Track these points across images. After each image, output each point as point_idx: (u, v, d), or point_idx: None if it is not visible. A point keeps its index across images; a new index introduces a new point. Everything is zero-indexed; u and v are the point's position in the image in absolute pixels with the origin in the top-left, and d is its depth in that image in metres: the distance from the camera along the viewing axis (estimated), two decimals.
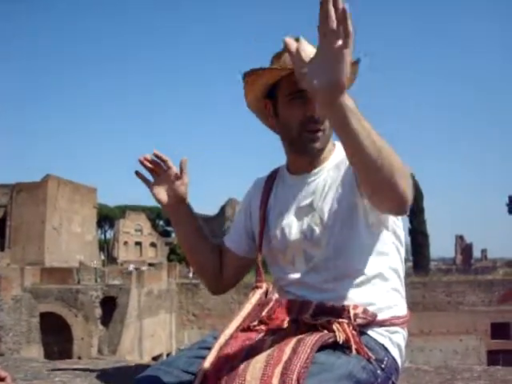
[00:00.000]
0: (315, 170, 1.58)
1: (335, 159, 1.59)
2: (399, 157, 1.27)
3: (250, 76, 1.56)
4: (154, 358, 24.81)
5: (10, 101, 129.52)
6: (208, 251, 1.74)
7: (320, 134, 1.52)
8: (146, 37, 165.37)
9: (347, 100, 1.17)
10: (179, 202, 1.69)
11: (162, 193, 1.68)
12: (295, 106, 1.52)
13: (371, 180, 1.28)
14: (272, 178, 1.72)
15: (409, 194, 1.29)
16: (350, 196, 1.48)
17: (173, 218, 1.74)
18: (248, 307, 1.50)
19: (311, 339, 1.27)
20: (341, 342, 1.30)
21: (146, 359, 23.11)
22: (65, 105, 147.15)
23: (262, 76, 1.55)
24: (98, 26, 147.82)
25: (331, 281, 1.49)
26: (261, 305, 1.50)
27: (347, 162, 1.50)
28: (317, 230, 1.52)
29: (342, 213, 1.49)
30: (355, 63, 1.50)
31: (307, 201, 1.56)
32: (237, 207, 57.71)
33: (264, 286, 1.58)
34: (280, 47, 1.59)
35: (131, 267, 32.84)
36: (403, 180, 1.26)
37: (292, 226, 1.57)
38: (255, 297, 1.54)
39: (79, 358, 21.69)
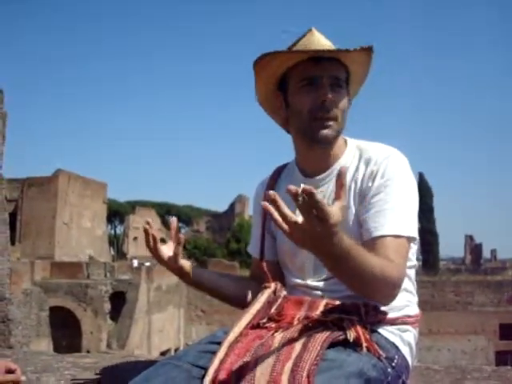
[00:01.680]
0: (324, 174, 1.57)
1: (346, 159, 1.57)
2: (386, 267, 1.33)
3: (260, 62, 1.54)
4: (163, 353, 24.88)
5: (21, 95, 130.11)
6: (233, 285, 1.74)
7: (331, 122, 1.51)
8: (159, 36, 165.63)
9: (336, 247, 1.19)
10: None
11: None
12: (305, 92, 1.51)
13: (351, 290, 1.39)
14: (275, 176, 1.72)
15: (390, 298, 1.39)
16: (359, 208, 1.49)
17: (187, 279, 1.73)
18: (257, 305, 1.49)
19: (322, 336, 1.26)
20: (351, 340, 1.30)
21: (155, 354, 23.17)
22: (76, 100, 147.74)
23: (273, 61, 1.53)
24: (110, 19, 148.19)
25: (340, 284, 1.48)
26: (270, 302, 1.50)
27: (362, 172, 1.51)
28: None
29: (352, 221, 1.49)
30: (368, 51, 1.50)
31: None
32: (246, 203, 57.79)
33: (272, 285, 1.57)
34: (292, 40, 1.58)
35: (135, 263, 32.84)
36: (389, 288, 1.36)
37: None
38: (264, 295, 1.53)
39: (88, 352, 21.78)
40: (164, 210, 68.05)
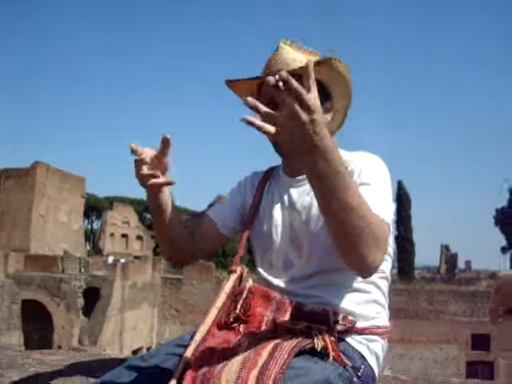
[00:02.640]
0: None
1: None
2: (376, 218, 1.28)
3: (229, 86, 1.64)
4: (135, 352, 24.74)
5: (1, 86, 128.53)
6: (180, 225, 1.67)
7: None
8: (144, 28, 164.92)
9: (325, 153, 1.16)
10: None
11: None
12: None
13: (336, 245, 1.29)
14: (269, 174, 1.73)
15: (374, 263, 1.29)
16: None
17: (153, 200, 1.59)
18: (222, 297, 1.47)
19: (289, 344, 1.25)
20: (319, 349, 1.29)
21: (126, 352, 23.03)
22: (55, 92, 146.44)
23: (238, 87, 1.61)
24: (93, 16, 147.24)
25: (309, 288, 1.48)
26: (235, 293, 1.48)
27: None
28: (301, 238, 1.52)
29: None
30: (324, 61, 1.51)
31: (297, 207, 1.56)
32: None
33: (238, 270, 1.55)
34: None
35: (110, 260, 32.60)
36: (372, 249, 1.26)
37: (279, 228, 1.57)
38: (229, 284, 1.50)
39: (59, 347, 21.58)
40: (142, 208, 67.68)
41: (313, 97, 1.12)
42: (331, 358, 1.29)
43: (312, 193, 1.52)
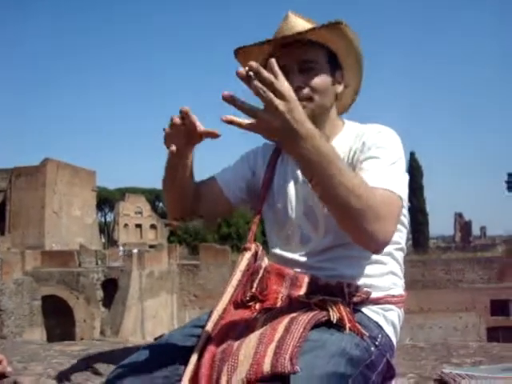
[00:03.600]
0: None
1: (342, 139, 1.56)
2: (381, 195, 1.28)
3: (237, 58, 1.59)
4: (156, 340, 24.96)
5: (8, 84, 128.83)
6: (190, 185, 1.62)
7: (304, 103, 1.46)
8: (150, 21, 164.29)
9: (314, 140, 1.16)
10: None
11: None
12: None
13: (340, 227, 1.30)
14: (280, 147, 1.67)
15: (381, 239, 1.29)
16: None
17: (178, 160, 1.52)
18: (238, 275, 1.47)
19: (304, 318, 1.26)
20: (334, 322, 1.30)
21: (149, 340, 23.20)
22: (63, 87, 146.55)
23: (247, 56, 1.54)
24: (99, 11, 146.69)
25: (325, 261, 1.48)
26: (250, 271, 1.48)
27: (355, 146, 1.50)
28: (317, 213, 1.51)
29: None
30: (329, 27, 1.47)
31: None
32: None
33: (253, 247, 1.54)
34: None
35: (121, 251, 32.79)
36: (376, 226, 1.25)
37: (294, 203, 1.56)
38: (243, 262, 1.50)
39: (82, 339, 21.79)
40: (154, 196, 67.95)
41: (285, 84, 1.12)
42: (347, 329, 1.30)
43: None
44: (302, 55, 1.51)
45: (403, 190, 1.39)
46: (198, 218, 1.73)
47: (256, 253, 1.53)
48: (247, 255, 1.52)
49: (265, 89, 1.10)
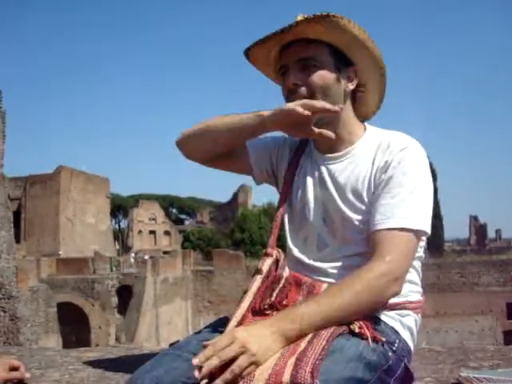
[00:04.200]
0: (338, 154, 1.54)
1: (364, 146, 1.53)
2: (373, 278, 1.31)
3: (248, 58, 1.59)
4: (171, 345, 24.96)
5: (22, 93, 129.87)
6: (231, 144, 1.61)
7: None
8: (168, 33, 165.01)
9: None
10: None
11: None
12: (283, 80, 1.54)
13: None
14: (303, 144, 1.66)
15: (392, 295, 1.36)
16: (371, 198, 1.46)
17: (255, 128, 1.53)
18: (258, 281, 1.45)
19: (326, 332, 1.24)
20: (356, 331, 1.29)
21: (164, 347, 23.21)
22: (76, 96, 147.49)
23: (255, 55, 1.56)
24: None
25: (342, 269, 1.47)
26: (271, 279, 1.46)
27: (378, 160, 1.47)
28: (335, 220, 1.50)
29: (361, 210, 1.47)
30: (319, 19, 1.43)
31: (329, 186, 1.52)
32: (249, 193, 57.77)
33: (274, 253, 1.52)
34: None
35: (132, 258, 32.86)
36: (393, 286, 1.34)
37: (312, 206, 1.54)
38: (264, 268, 1.48)
39: (97, 346, 21.87)
40: (167, 203, 68.19)
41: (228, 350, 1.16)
42: (370, 339, 1.29)
43: (345, 173, 1.51)
44: (301, 53, 1.49)
45: (422, 221, 1.39)
46: (207, 166, 1.72)
47: (277, 260, 1.51)
48: (268, 261, 1.50)
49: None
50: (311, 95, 1.46)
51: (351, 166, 1.51)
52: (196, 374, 1.13)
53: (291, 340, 1.21)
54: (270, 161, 1.68)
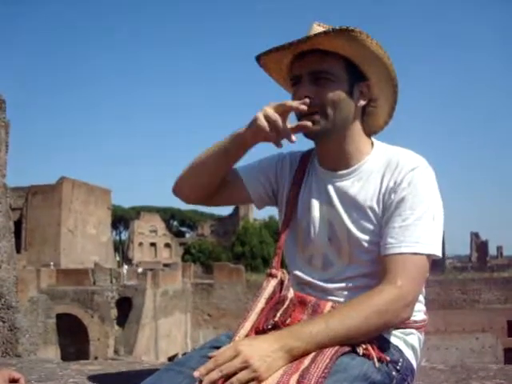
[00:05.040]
0: (345, 171, 1.52)
1: (372, 163, 1.51)
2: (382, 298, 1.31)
3: (262, 66, 1.57)
4: (170, 359, 24.85)
5: (24, 104, 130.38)
6: (222, 172, 1.61)
7: (316, 117, 1.44)
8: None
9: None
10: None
11: None
12: (294, 91, 1.49)
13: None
14: (305, 160, 1.64)
15: (405, 318, 1.36)
16: (379, 218, 1.45)
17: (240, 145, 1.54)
18: (262, 302, 1.44)
19: (330, 350, 1.24)
20: (360, 354, 1.28)
21: (162, 359, 23.15)
22: (78, 107, 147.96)
23: (268, 64, 1.55)
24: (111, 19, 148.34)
25: (348, 289, 1.46)
26: (275, 300, 1.44)
27: (387, 179, 1.45)
28: (341, 239, 1.48)
29: (368, 229, 1.45)
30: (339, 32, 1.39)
31: (335, 205, 1.50)
32: (250, 206, 57.69)
33: (279, 275, 1.50)
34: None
35: (125, 270, 32.67)
36: (392, 322, 1.34)
37: (317, 224, 1.52)
38: (268, 290, 1.47)
39: (96, 358, 21.77)
40: (168, 215, 68.17)
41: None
42: (376, 360, 1.28)
43: (352, 190, 1.49)
44: (315, 65, 1.45)
45: (433, 245, 1.38)
46: (208, 205, 1.73)
47: (282, 281, 1.49)
48: (273, 282, 1.49)
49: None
50: (322, 109, 1.44)
51: (359, 184, 1.49)
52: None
53: (295, 357, 1.20)
54: (269, 183, 1.65)
